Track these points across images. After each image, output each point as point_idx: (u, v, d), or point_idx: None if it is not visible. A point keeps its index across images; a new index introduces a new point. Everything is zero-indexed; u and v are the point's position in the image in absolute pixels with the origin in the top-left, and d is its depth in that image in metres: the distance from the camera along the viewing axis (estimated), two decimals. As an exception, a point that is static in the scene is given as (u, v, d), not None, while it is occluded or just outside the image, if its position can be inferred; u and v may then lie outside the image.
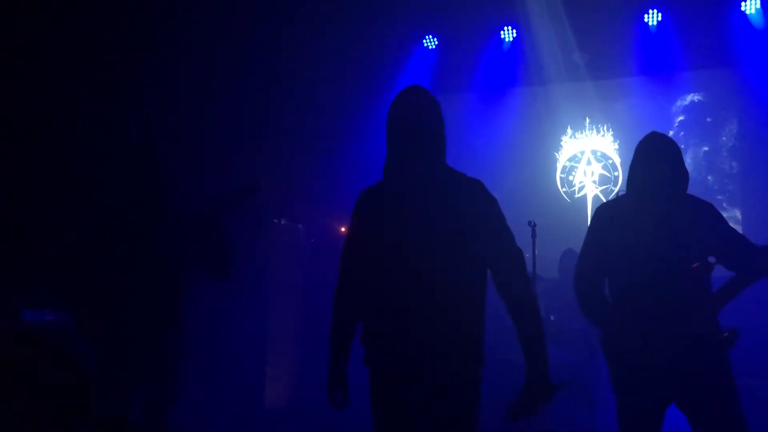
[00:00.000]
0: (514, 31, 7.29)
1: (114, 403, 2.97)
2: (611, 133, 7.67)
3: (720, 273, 2.78)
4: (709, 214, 2.83)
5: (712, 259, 2.78)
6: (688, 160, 4.37)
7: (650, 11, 6.80)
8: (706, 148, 7.16)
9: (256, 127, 6.54)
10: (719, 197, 6.78)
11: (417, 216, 2.29)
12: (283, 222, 6.47)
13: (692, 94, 7.07)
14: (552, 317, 5.38)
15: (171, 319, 3.14)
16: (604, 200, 3.08)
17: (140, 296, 3.03)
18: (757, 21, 6.49)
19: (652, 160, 2.84)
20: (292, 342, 6.36)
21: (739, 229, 5.62)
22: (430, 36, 7.50)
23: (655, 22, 6.83)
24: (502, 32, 7.30)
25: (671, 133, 6.75)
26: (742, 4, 6.49)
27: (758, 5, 6.43)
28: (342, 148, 7.23)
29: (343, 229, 6.58)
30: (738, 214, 6.65)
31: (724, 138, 7.01)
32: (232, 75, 6.31)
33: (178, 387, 3.19)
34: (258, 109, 6.58)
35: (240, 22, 6.14)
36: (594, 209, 3.08)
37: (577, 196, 7.99)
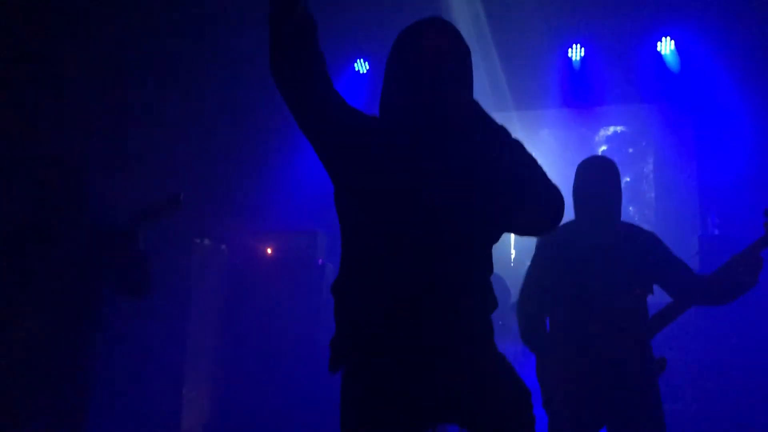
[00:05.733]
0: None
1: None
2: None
3: (655, 299, 2.84)
4: (652, 242, 2.89)
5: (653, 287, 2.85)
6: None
7: (574, 46, 7.02)
8: (628, 179, 7.41)
9: (179, 140, 6.33)
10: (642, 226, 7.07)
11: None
12: (206, 242, 6.26)
13: (614, 126, 7.31)
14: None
15: (79, 342, 2.94)
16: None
17: (44, 314, 2.82)
18: (671, 61, 6.79)
19: (595, 185, 2.84)
20: (211, 367, 6.13)
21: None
22: (362, 60, 7.49)
23: (578, 57, 7.06)
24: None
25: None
26: (658, 44, 6.78)
27: (672, 47, 6.73)
28: (267, 164, 7.07)
29: (269, 251, 6.42)
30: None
31: (644, 169, 7.29)
32: (152, 79, 6.12)
33: (86, 412, 2.98)
34: (181, 122, 6.38)
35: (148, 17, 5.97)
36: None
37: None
